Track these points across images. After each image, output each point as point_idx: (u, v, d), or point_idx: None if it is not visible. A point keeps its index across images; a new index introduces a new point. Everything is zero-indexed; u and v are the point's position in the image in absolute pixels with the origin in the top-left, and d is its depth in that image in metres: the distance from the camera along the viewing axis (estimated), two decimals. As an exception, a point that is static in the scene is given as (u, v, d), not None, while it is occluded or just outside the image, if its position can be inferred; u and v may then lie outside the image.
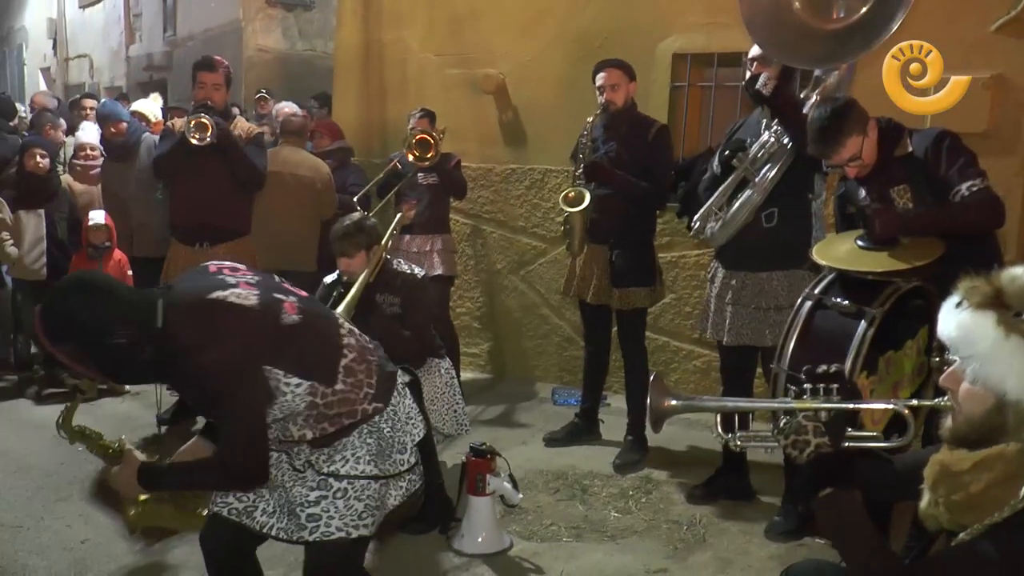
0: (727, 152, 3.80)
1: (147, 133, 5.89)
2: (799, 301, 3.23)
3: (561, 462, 4.59)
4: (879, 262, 3.13)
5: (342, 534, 2.45)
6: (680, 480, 4.37)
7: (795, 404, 2.09)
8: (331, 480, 2.48)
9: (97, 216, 5.57)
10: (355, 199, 5.43)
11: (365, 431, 2.51)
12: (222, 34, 10.88)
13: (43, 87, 16.48)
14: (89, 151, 6.07)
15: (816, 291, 3.20)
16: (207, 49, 10.30)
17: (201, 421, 4.35)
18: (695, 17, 5.20)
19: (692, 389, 5.43)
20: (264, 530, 2.55)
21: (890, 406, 2.24)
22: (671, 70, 5.47)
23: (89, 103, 7.17)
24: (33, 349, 5.89)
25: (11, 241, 5.53)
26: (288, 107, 6.91)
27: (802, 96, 3.73)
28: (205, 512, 2.63)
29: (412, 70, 6.40)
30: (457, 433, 4.15)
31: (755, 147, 3.69)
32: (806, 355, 3.01)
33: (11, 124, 6.71)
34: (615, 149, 4.52)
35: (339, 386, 2.44)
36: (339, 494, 2.48)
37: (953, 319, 1.71)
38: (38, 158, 5.64)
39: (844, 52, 3.44)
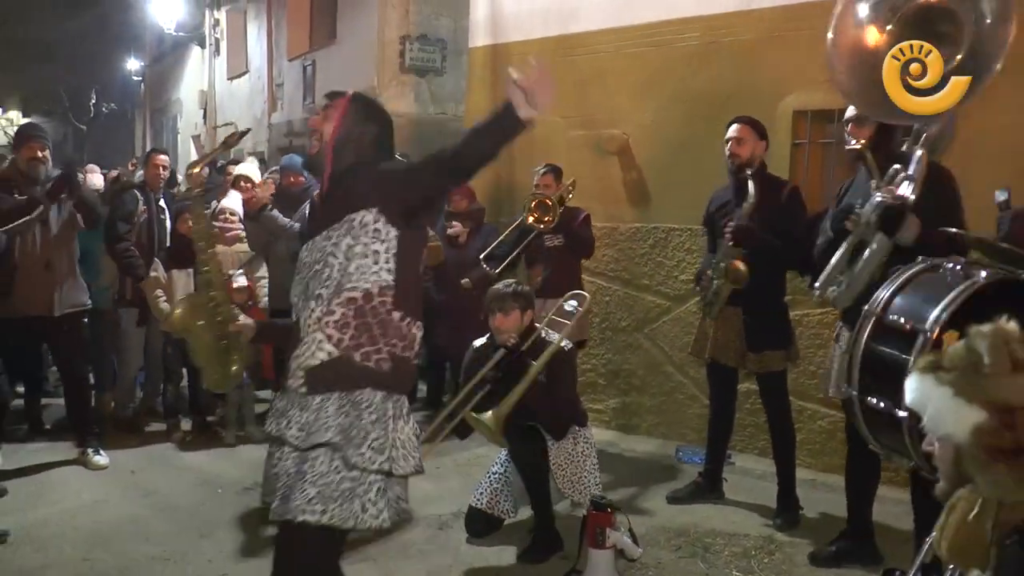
0: (835, 217, 3.73)
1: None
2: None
3: (683, 520, 4.57)
4: None
5: (290, 516, 2.47)
6: (804, 542, 4.28)
7: None
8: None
9: (239, 278, 5.94)
10: (480, 257, 5.60)
11: (348, 403, 2.51)
12: (358, 100, 11.38)
13: (193, 153, 17.59)
14: (229, 215, 6.43)
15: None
16: (344, 115, 10.78)
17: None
18: (815, 74, 5.17)
19: (818, 450, 5.32)
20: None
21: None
22: (792, 127, 5.48)
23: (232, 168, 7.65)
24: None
25: (164, 298, 5.93)
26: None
27: (903, 149, 3.67)
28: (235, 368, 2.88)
29: (538, 132, 6.48)
30: (580, 501, 4.18)
31: (867, 209, 3.59)
32: (902, 299, 2.97)
33: (171, 191, 7.21)
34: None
35: (396, 314, 2.56)
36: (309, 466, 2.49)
37: (909, 384, 1.93)
38: (189, 222, 6.04)
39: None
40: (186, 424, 6.23)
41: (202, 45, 18.43)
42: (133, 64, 24.25)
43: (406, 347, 2.60)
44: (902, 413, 2.73)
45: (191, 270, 6.01)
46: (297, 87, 13.34)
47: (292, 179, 6.38)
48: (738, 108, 4.96)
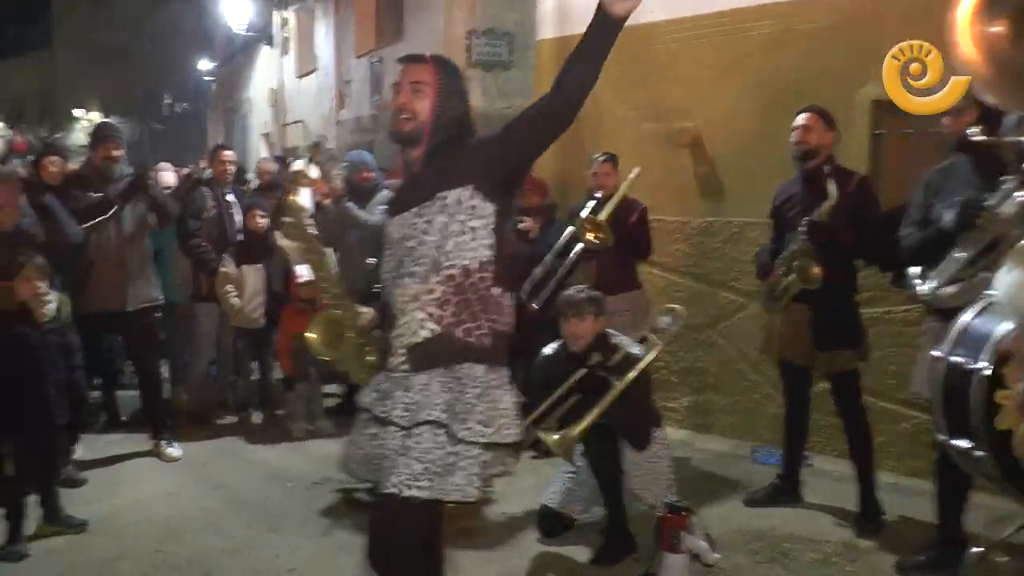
0: (964, 212, 3.49)
1: (385, 190, 6.20)
2: None
3: (761, 524, 4.42)
4: None
5: (395, 491, 2.42)
6: (887, 549, 4.10)
7: None
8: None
9: (304, 272, 5.93)
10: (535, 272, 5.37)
11: (451, 378, 2.47)
12: (425, 96, 11.39)
13: (263, 151, 17.83)
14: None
15: None
16: (411, 111, 10.80)
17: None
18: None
19: (901, 453, 5.11)
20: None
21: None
22: (871, 117, 5.27)
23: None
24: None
25: (235, 293, 5.99)
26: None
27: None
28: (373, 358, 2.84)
29: (607, 125, 6.45)
30: (654, 503, 4.04)
31: (1009, 206, 3.32)
32: (967, 335, 2.98)
33: (242, 188, 7.28)
34: (817, 204, 4.31)
35: (496, 289, 2.53)
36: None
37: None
38: (258, 218, 6.10)
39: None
40: (256, 417, 6.28)
41: (271, 44, 18.68)
42: (205, 65, 24.70)
43: (505, 321, 2.58)
44: (980, 453, 2.72)
45: (260, 265, 6.08)
46: (365, 84, 13.42)
47: (362, 174, 6.37)
48: (814, 97, 4.77)
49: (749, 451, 5.59)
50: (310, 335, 3.14)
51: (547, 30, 7.25)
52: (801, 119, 4.44)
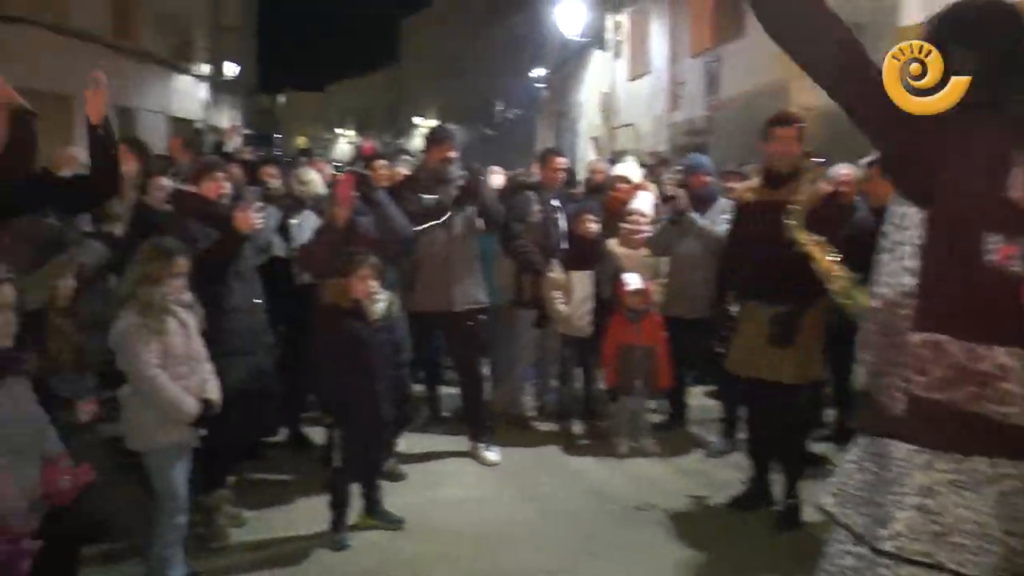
0: None
1: (723, 199, 5.80)
2: None
3: None
4: None
5: None
6: None
7: None
8: None
9: (633, 280, 5.58)
10: None
11: (869, 455, 1.82)
12: (764, 94, 10.76)
13: (591, 154, 17.99)
14: (639, 217, 6.02)
15: None
16: (748, 110, 10.26)
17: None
18: None
19: None
20: None
21: None
22: None
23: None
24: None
25: (562, 299, 5.79)
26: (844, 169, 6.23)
27: None
28: None
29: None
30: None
31: None
32: None
33: (572, 191, 7.13)
34: None
35: (918, 335, 1.74)
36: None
37: None
38: (588, 223, 5.86)
39: None
40: (577, 428, 6.07)
41: (603, 48, 18.80)
42: (537, 72, 25.56)
43: (935, 384, 1.74)
44: None
45: (589, 272, 5.83)
46: (699, 84, 13.04)
47: (699, 178, 5.92)
48: None
49: None
50: None
51: (912, 14, 6.37)
52: None
